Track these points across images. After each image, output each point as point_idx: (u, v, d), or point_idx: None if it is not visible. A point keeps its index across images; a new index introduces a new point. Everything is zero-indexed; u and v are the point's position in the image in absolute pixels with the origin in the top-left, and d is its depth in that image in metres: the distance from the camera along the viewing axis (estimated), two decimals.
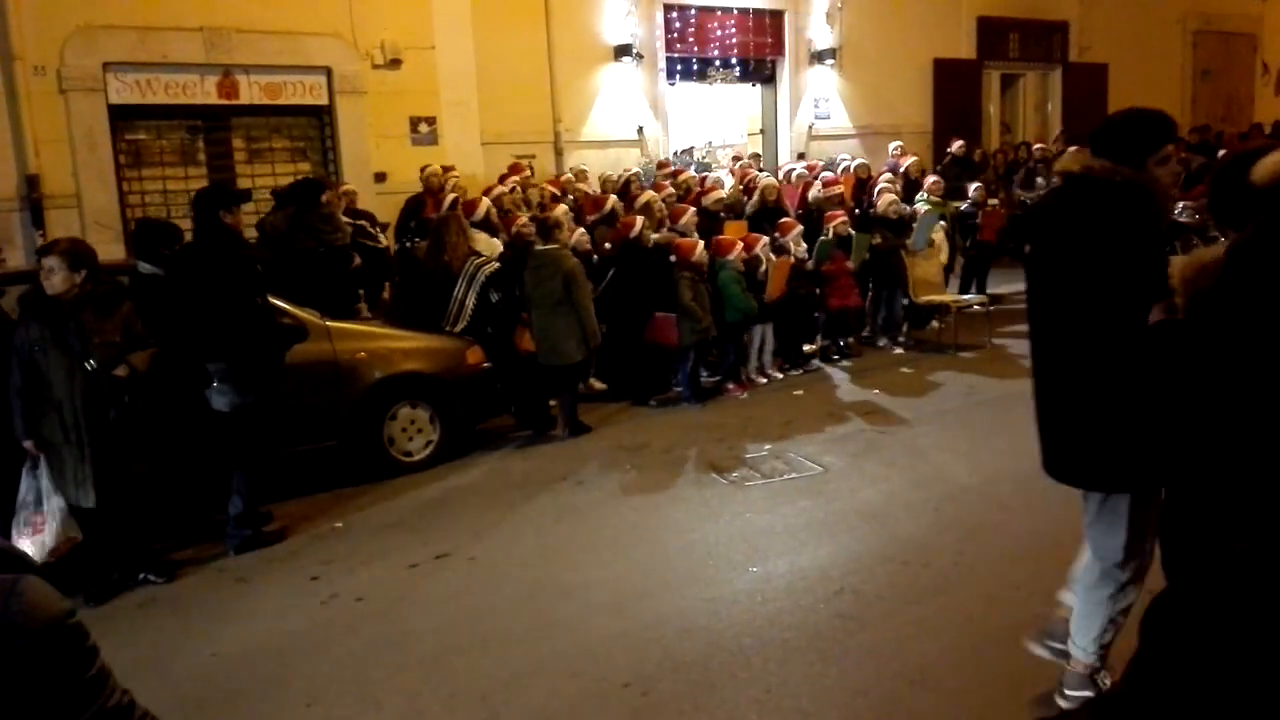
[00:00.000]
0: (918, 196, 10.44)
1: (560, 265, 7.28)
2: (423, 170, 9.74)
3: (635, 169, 11.36)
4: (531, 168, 11.38)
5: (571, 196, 10.05)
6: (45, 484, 4.94)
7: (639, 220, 8.40)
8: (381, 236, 8.90)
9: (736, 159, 12.35)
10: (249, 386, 5.47)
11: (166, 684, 4.19)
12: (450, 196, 8.97)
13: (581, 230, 8.38)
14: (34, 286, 5.03)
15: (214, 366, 5.43)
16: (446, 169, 9.92)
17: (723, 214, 9.58)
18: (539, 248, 7.48)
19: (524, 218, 8.35)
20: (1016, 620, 4.15)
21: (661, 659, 4.12)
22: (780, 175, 11.72)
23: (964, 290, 11.00)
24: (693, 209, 8.97)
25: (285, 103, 10.26)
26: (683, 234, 8.57)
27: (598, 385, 8.72)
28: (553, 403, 7.73)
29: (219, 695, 4.10)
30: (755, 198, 9.90)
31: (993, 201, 11.24)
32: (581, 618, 4.56)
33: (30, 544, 4.83)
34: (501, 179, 10.04)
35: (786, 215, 9.62)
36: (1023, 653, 3.74)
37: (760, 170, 11.65)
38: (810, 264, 9.05)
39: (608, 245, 8.70)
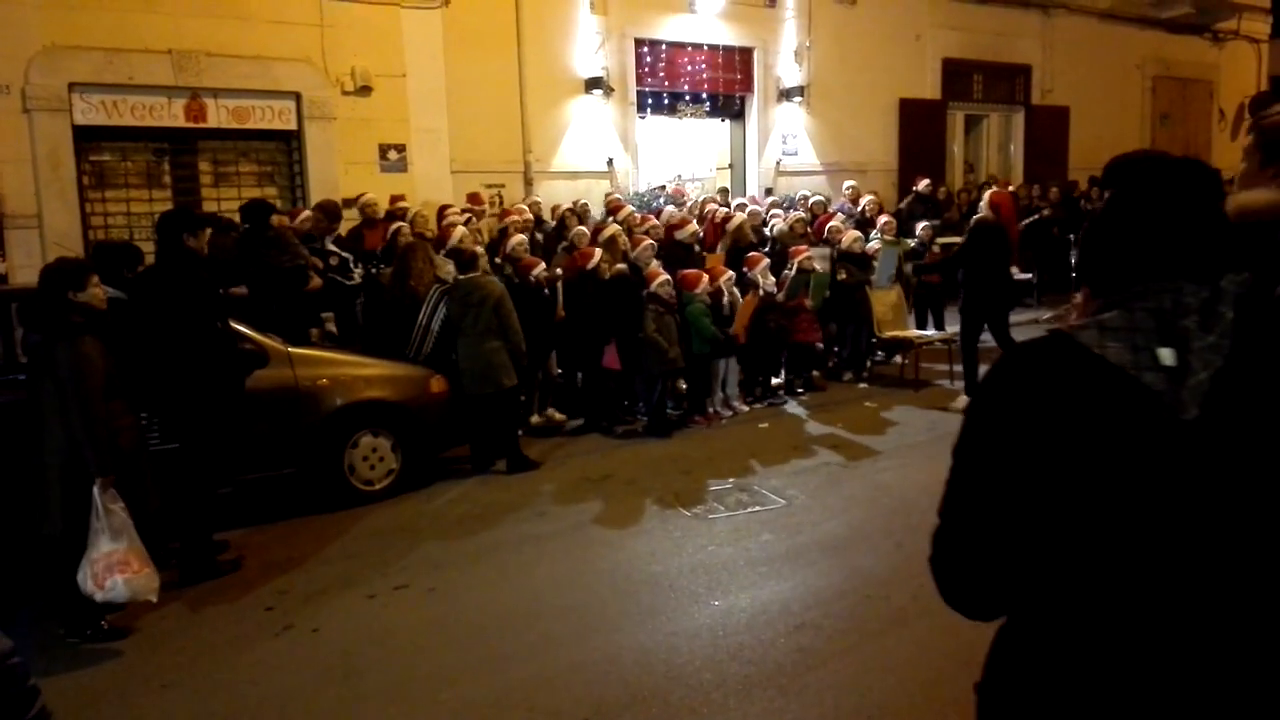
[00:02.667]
0: (872, 234, 10.56)
1: (489, 293, 7.25)
2: (356, 199, 9.67)
3: (616, 195, 11.44)
4: (500, 197, 11.39)
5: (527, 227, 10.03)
6: (124, 518, 4.63)
7: (597, 253, 8.41)
8: (357, 274, 8.82)
9: (704, 204, 12.09)
10: (205, 412, 5.39)
11: (116, 716, 4.10)
12: (394, 225, 8.91)
13: (542, 265, 8.36)
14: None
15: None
16: (395, 198, 9.88)
17: (699, 249, 9.65)
18: (461, 277, 7.45)
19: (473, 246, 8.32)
20: (974, 656, 4.15)
21: (620, 692, 4.08)
22: (733, 207, 11.70)
23: (917, 326, 11.11)
24: (649, 241, 8.99)
25: (253, 127, 10.22)
26: (635, 265, 8.61)
27: (556, 416, 8.69)
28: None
29: None
30: (728, 238, 9.96)
31: (945, 240, 11.35)
32: (541, 649, 4.52)
33: (124, 586, 4.54)
34: (442, 210, 9.97)
35: (755, 249, 9.69)
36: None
37: (728, 205, 11.63)
38: (781, 297, 9.10)
39: (558, 270, 8.70)
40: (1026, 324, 11.54)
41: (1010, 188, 13.71)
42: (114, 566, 4.55)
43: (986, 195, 9.42)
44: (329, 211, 9.07)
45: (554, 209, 10.91)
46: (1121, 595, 1.39)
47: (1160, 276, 1.43)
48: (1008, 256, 8.99)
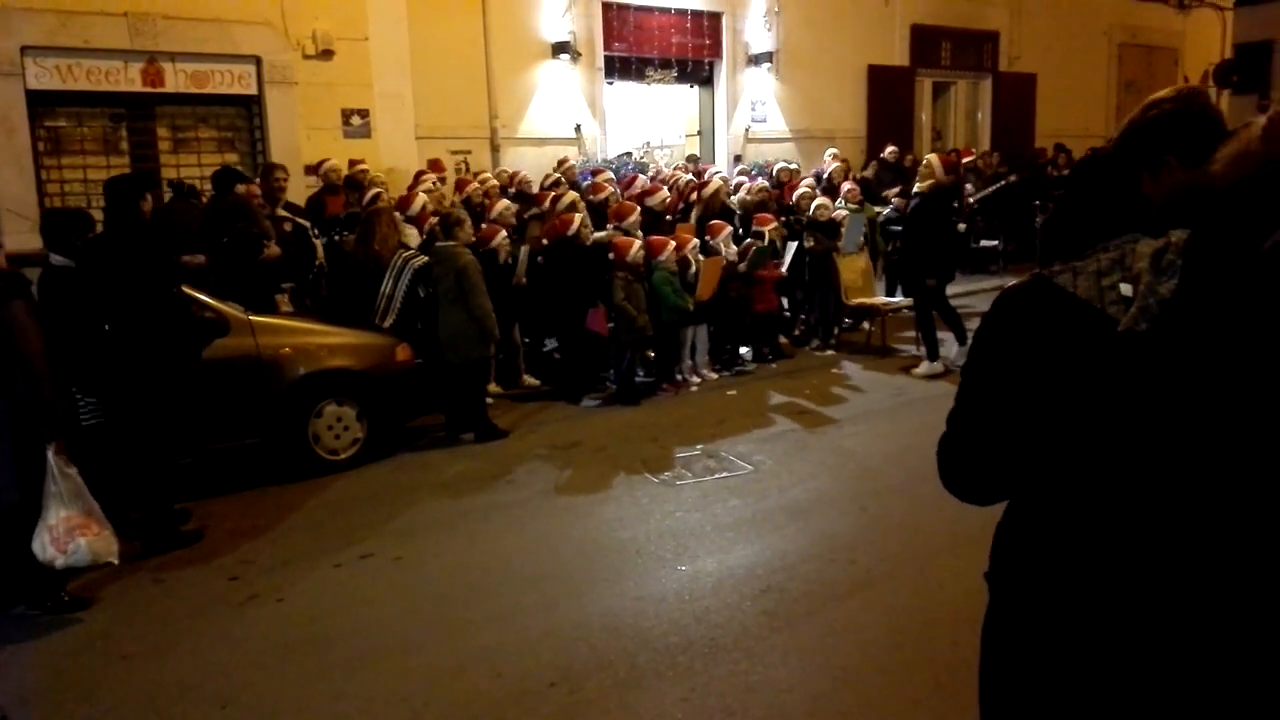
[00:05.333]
0: (837, 202, 10.55)
1: (454, 262, 7.19)
2: (319, 166, 9.56)
3: (573, 162, 11.31)
4: (466, 164, 11.25)
5: (513, 191, 9.96)
6: (79, 481, 4.59)
7: (577, 218, 8.36)
8: (319, 243, 8.71)
9: (685, 171, 11.99)
10: (162, 379, 5.31)
11: (76, 687, 4.06)
12: (373, 191, 8.83)
13: (503, 233, 8.24)
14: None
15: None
16: (354, 163, 9.77)
17: (671, 216, 9.59)
18: (438, 244, 7.40)
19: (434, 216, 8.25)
20: (938, 616, 4.21)
21: (588, 657, 4.10)
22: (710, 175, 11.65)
23: (888, 294, 11.14)
24: (638, 208, 8.94)
25: (212, 91, 9.99)
26: (626, 233, 8.55)
27: (530, 381, 8.67)
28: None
29: (132, 699, 3.97)
30: (701, 204, 9.88)
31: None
32: (508, 616, 4.52)
33: (86, 548, 4.52)
34: (418, 175, 9.90)
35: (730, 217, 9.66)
36: (944, 648, 3.79)
37: (699, 173, 11.55)
38: (743, 266, 9.07)
39: (544, 241, 8.64)
40: (992, 290, 11.62)
41: (972, 155, 13.87)
42: (74, 530, 4.51)
43: (937, 160, 9.01)
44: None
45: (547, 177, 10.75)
46: (1091, 474, 1.77)
47: (1124, 233, 1.82)
48: (954, 216, 9.07)
